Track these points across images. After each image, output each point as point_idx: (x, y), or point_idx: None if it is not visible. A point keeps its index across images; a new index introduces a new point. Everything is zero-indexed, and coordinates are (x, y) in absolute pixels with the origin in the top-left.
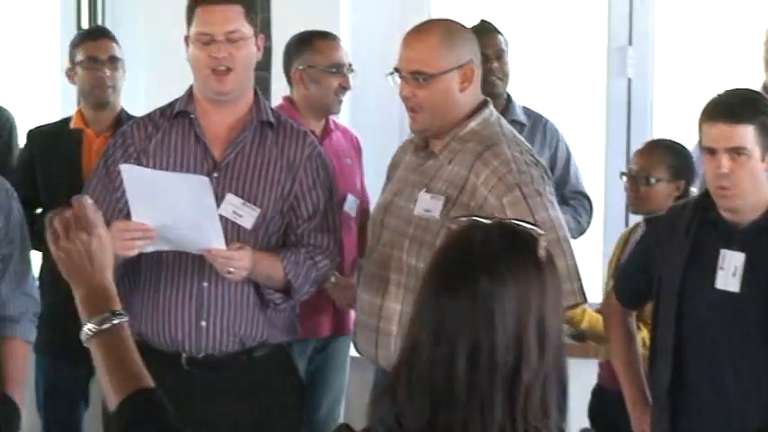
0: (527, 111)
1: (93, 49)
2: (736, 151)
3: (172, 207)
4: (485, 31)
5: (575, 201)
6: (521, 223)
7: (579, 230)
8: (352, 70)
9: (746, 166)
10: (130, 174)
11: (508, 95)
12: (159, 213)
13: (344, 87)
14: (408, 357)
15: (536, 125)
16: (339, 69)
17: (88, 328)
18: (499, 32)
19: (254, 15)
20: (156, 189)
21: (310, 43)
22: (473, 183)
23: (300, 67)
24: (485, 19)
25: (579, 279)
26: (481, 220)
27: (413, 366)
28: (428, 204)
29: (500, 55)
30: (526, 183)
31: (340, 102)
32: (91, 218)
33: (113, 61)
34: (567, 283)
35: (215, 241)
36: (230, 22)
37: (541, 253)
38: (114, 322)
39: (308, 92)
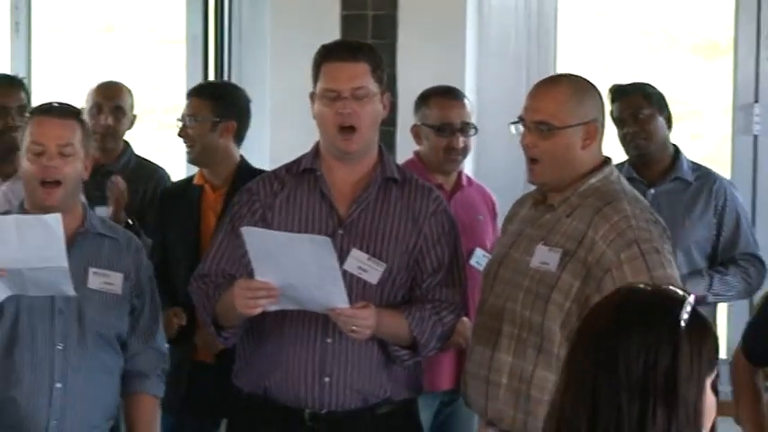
0: (696, 167)
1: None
2: None
3: (295, 267)
4: (621, 95)
5: (744, 261)
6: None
7: (748, 291)
8: (469, 130)
9: None
10: (252, 236)
11: (677, 151)
12: (282, 273)
13: (452, 148)
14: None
15: (703, 183)
16: (447, 129)
17: None
18: (636, 92)
19: (380, 73)
20: (279, 249)
21: (426, 100)
22: (591, 237)
23: (416, 124)
24: (616, 83)
25: None
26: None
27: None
28: (545, 257)
29: (636, 116)
30: (645, 239)
31: (453, 161)
32: None
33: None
34: None
35: (339, 300)
36: (356, 79)
37: (684, 316)
38: None
39: (423, 149)
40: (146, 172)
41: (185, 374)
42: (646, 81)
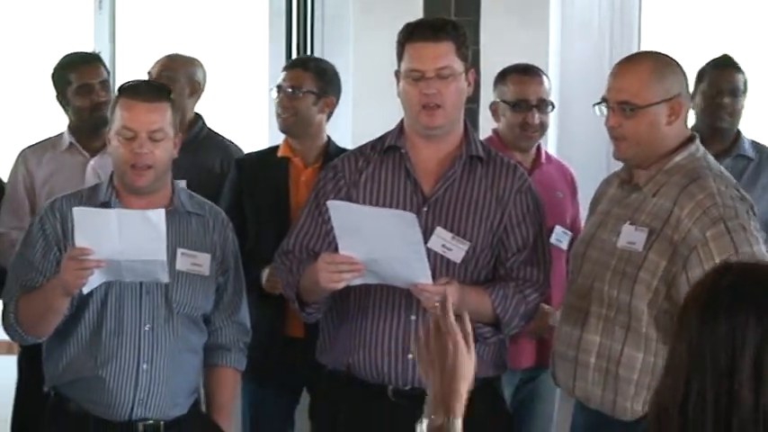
0: (757, 145)
1: (288, 78)
2: None
3: (379, 242)
4: (725, 66)
5: None
6: None
7: None
8: (546, 107)
9: None
10: (337, 210)
11: (738, 130)
12: (366, 247)
13: (527, 124)
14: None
15: (764, 160)
16: (523, 105)
17: (426, 423)
18: (740, 70)
19: (465, 51)
20: (363, 224)
21: (503, 77)
22: (677, 215)
23: (495, 101)
24: (728, 54)
25: None
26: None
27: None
28: (632, 237)
29: (735, 93)
30: (731, 217)
31: (528, 138)
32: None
33: (295, 91)
34: None
35: (422, 276)
36: (441, 59)
37: None
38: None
39: (500, 125)
40: (215, 143)
41: (275, 348)
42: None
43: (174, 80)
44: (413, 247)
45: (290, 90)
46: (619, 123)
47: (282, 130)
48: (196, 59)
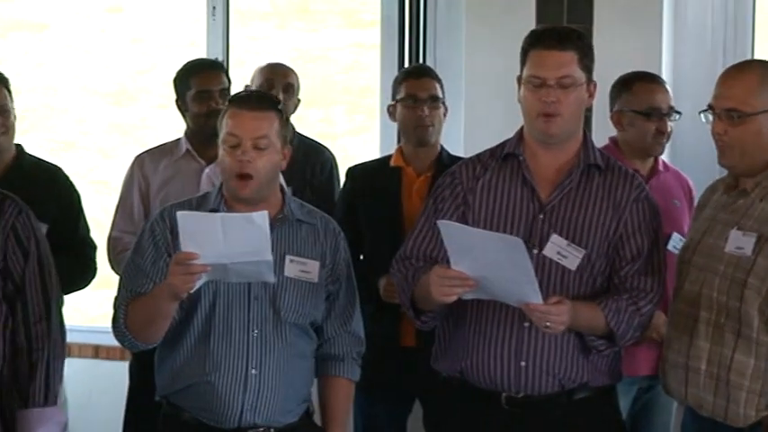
0: None
1: (415, 87)
2: None
3: (489, 262)
4: None
5: None
6: None
7: None
8: (674, 114)
9: None
10: (448, 229)
11: None
12: (477, 266)
13: (661, 132)
14: None
15: None
16: (655, 113)
17: None
18: None
19: (588, 61)
20: (473, 245)
21: (630, 85)
22: None
23: (619, 110)
24: None
25: None
26: None
27: None
28: (740, 242)
29: None
30: None
31: (660, 145)
32: None
33: (434, 100)
34: None
35: (532, 295)
36: (563, 68)
37: None
38: None
39: (627, 134)
40: (312, 151)
41: (389, 357)
42: None
43: (291, 87)
44: (522, 269)
45: (430, 100)
46: (725, 131)
47: (423, 142)
48: (292, 69)
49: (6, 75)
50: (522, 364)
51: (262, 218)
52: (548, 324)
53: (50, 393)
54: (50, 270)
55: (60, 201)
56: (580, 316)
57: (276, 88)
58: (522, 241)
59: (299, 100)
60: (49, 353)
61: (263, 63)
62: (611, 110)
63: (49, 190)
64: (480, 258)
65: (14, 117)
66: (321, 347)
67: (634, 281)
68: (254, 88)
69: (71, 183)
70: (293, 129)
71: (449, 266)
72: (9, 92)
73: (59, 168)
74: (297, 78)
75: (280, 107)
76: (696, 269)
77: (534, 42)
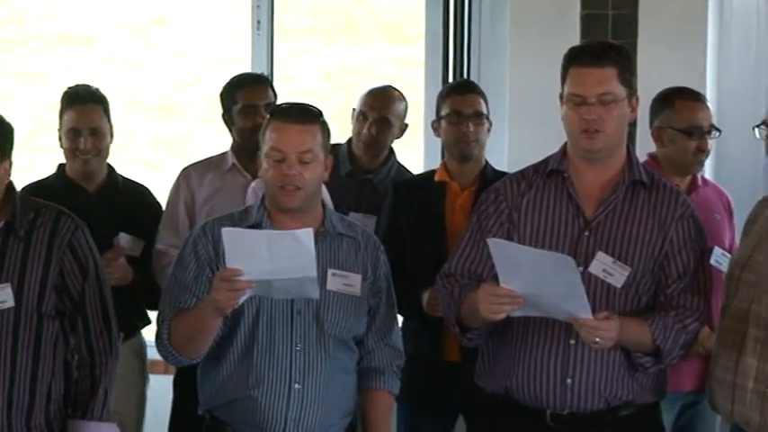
0: None
1: (460, 103)
2: None
3: (538, 279)
4: None
5: None
6: None
7: None
8: (714, 132)
9: None
10: (497, 247)
11: None
12: (526, 283)
13: (701, 150)
14: None
15: None
16: (697, 132)
17: None
18: None
19: (628, 76)
20: (523, 262)
21: (671, 102)
22: None
23: (659, 126)
24: None
25: None
26: None
27: None
28: None
29: None
30: None
31: (699, 163)
32: None
33: (478, 116)
34: None
35: (581, 310)
36: (603, 85)
37: None
38: None
39: (667, 150)
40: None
41: (432, 372)
42: None
43: (385, 119)
44: (572, 286)
45: (474, 115)
46: None
47: (467, 157)
48: (397, 92)
49: (104, 94)
50: (568, 381)
51: (307, 235)
52: (597, 339)
53: (107, 409)
54: (107, 285)
55: (154, 219)
56: (627, 332)
57: (369, 121)
58: (572, 259)
59: (406, 125)
60: (110, 368)
61: (368, 88)
62: (651, 125)
63: (142, 208)
64: (530, 276)
65: (112, 136)
66: (361, 360)
67: (680, 299)
68: (355, 113)
69: (158, 202)
70: (394, 156)
71: (497, 284)
72: (106, 112)
73: (147, 188)
74: (400, 102)
75: (322, 118)
76: (746, 286)
77: (573, 60)
